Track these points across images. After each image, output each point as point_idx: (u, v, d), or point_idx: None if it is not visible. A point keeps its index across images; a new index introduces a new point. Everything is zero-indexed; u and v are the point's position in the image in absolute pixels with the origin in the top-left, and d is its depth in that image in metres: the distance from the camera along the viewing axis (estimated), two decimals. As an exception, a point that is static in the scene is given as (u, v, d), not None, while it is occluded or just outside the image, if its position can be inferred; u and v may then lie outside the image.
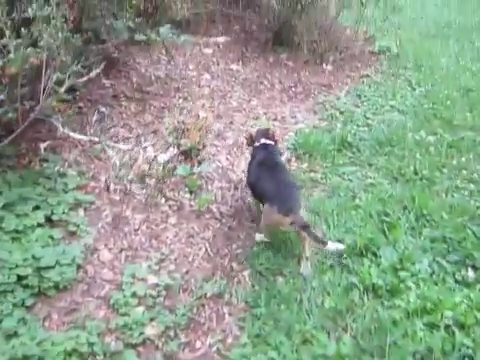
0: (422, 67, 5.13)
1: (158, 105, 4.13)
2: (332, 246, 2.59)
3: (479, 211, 2.87)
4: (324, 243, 2.56)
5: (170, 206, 3.08)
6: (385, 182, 3.32)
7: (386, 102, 4.50)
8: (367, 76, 5.11)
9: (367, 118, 4.25)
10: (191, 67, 4.92)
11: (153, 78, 4.55)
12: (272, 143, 3.09)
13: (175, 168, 3.28)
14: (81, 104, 3.80)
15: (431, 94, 4.49)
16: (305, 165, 3.60)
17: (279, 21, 5.46)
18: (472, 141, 3.61)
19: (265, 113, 4.35)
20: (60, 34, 2.67)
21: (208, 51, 5.31)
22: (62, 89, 2.85)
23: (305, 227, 2.55)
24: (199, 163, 3.37)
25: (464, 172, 3.24)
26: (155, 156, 3.40)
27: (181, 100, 4.31)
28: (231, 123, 4.14)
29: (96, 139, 3.41)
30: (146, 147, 3.56)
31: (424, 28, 6.75)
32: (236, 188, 3.38)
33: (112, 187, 3.14)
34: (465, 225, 2.77)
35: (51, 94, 2.83)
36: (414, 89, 4.69)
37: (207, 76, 4.81)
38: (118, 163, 3.26)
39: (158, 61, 4.86)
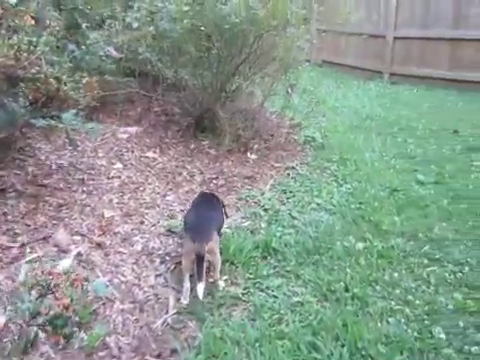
0: (347, 161, 4.99)
1: (55, 202, 3.54)
2: (200, 288, 2.76)
3: (418, 343, 2.50)
4: (200, 280, 2.75)
5: (51, 346, 2.43)
6: (314, 300, 2.90)
7: (312, 199, 4.22)
8: (292, 168, 4.87)
9: (293, 218, 3.91)
10: (101, 154, 4.43)
11: (54, 167, 4.00)
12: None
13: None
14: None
15: (358, 192, 4.28)
16: (225, 277, 3.13)
17: (201, 107, 5.20)
18: (403, 251, 3.34)
19: (182, 210, 3.89)
20: None
21: (123, 136, 4.87)
22: None
23: (200, 259, 2.73)
24: (67, 339, 2.47)
25: (397, 291, 2.91)
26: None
27: (84, 195, 3.76)
28: (142, 223, 3.62)
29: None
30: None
31: (347, 118, 6.80)
32: (142, 310, 2.81)
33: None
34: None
35: None
36: (340, 185, 4.48)
37: (119, 165, 4.33)
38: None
39: (63, 146, 4.33)
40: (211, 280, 3.01)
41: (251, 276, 3.15)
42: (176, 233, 3.54)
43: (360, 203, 4.08)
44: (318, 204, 4.15)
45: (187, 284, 2.88)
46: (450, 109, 7.50)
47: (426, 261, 3.23)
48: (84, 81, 3.12)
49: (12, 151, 3.82)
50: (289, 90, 5.71)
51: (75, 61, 3.97)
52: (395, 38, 9.99)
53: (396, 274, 3.08)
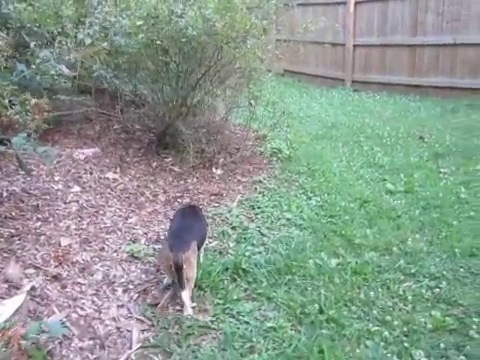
0: (315, 172, 4.90)
1: (6, 233, 3.28)
2: (185, 296, 2.80)
3: (401, 370, 2.38)
4: (182, 288, 2.78)
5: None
6: (288, 325, 2.75)
7: (282, 214, 4.09)
8: (260, 182, 4.74)
9: (263, 235, 3.77)
10: (57, 178, 4.17)
11: (5, 195, 3.72)
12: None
13: None
14: None
15: (328, 205, 4.18)
16: (193, 304, 2.94)
17: (163, 123, 5.01)
18: (377, 266, 3.23)
19: (145, 233, 3.69)
20: None
21: (80, 157, 4.63)
22: None
23: (178, 268, 2.72)
24: None
25: (374, 311, 2.79)
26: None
27: (39, 223, 3.50)
28: (102, 250, 3.40)
29: None
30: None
31: (312, 128, 6.75)
32: (103, 347, 2.59)
33: None
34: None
35: None
36: (310, 198, 4.37)
37: (76, 188, 4.08)
38: None
39: (15, 171, 4.06)
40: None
41: (220, 301, 2.97)
42: (139, 258, 3.34)
43: (331, 216, 3.98)
44: (288, 219, 4.02)
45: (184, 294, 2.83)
46: (413, 115, 7.56)
47: (402, 276, 3.13)
48: (32, 102, 2.89)
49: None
50: (252, 102, 5.59)
51: (25, 81, 3.73)
52: (355, 46, 10.09)
53: (372, 292, 2.96)
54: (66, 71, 3.69)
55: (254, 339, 2.66)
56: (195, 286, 3.00)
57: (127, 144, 5.11)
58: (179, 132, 4.93)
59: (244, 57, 4.53)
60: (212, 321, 2.82)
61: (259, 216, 4.09)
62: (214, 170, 4.95)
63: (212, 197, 4.40)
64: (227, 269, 3.26)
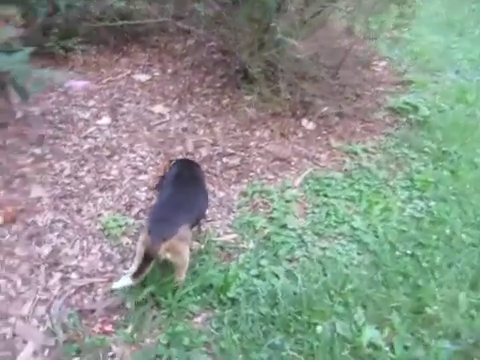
0: (445, 157, 3.17)
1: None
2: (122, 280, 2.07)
3: None
4: (132, 277, 2.03)
5: None
6: None
7: (351, 216, 2.70)
8: (355, 154, 3.27)
9: (300, 243, 2.51)
10: (91, 103, 3.44)
11: (18, 116, 3.15)
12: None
13: None
14: None
15: (431, 221, 2.60)
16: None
17: (251, 44, 3.71)
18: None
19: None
20: None
21: (140, 79, 3.78)
22: None
23: (148, 258, 2.04)
24: None
25: None
26: None
27: (31, 159, 2.87)
28: (78, 212, 2.61)
29: None
30: None
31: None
32: None
33: None
34: None
35: None
36: (411, 200, 2.78)
37: (105, 120, 3.30)
38: None
39: (49, 89, 3.44)
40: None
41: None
42: (110, 237, 2.48)
43: (421, 246, 2.44)
44: (354, 228, 2.62)
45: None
46: None
47: None
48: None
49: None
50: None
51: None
52: None
53: None
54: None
55: None
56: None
57: (210, 69, 4.03)
58: (274, 59, 3.61)
59: None
60: None
61: (317, 210, 2.75)
62: (304, 122, 3.60)
63: (274, 163, 3.16)
64: (201, 290, 2.20)
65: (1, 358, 1.92)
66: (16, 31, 3.03)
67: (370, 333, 2.02)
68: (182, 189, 2.37)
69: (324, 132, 3.51)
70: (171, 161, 2.57)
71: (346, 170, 3.11)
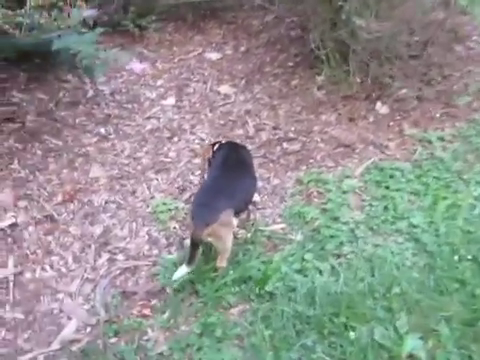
0: None
1: (45, 147, 2.89)
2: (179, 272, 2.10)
3: None
4: (186, 264, 2.08)
5: None
6: None
7: (411, 212, 2.46)
8: (429, 142, 2.96)
9: (351, 238, 2.37)
10: (159, 83, 3.48)
11: (90, 95, 3.30)
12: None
13: None
14: None
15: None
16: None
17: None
18: None
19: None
20: None
21: (211, 57, 3.76)
22: None
23: (194, 244, 2.07)
24: None
25: None
26: None
27: (94, 139, 3.01)
28: (132, 193, 2.69)
29: None
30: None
31: None
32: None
33: None
34: None
35: None
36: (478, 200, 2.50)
37: (170, 101, 3.34)
38: None
39: (121, 68, 3.54)
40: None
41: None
42: (159, 222, 2.52)
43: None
44: (413, 225, 2.40)
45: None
46: None
47: None
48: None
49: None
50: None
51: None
52: None
53: None
54: None
55: None
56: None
57: (284, 46, 3.87)
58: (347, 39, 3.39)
59: None
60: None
61: (375, 203, 2.55)
62: (378, 106, 3.34)
63: (337, 150, 2.98)
64: (240, 281, 2.17)
65: (47, 332, 2.06)
66: (93, 11, 3.17)
67: (412, 343, 1.85)
68: (226, 173, 2.33)
69: (398, 117, 3.22)
70: (214, 145, 2.52)
71: (416, 160, 2.84)
